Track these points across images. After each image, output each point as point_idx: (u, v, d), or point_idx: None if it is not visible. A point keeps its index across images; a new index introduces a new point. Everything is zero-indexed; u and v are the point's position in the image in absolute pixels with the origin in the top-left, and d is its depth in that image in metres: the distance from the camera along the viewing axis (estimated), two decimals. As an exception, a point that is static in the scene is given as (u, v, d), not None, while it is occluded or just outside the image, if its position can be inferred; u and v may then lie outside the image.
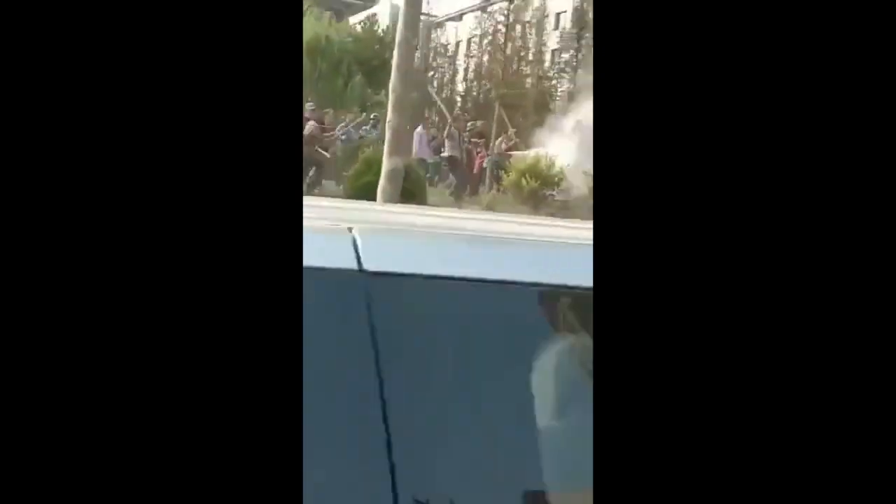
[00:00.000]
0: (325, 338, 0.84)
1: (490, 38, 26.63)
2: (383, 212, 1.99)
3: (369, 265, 0.88)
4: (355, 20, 27.06)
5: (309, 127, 11.15)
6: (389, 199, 6.42)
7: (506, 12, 26.28)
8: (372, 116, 14.73)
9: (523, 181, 11.48)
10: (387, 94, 18.37)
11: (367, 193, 7.40)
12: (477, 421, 0.92)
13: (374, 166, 7.58)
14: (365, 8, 28.70)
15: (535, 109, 17.07)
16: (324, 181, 11.71)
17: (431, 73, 27.32)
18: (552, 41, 25.92)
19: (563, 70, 23.51)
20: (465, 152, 14.22)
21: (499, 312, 0.95)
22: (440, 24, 28.54)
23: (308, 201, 0.90)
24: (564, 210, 11.13)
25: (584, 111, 13.49)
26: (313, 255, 0.81)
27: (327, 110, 13.91)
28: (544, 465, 0.92)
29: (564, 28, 25.87)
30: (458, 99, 24.48)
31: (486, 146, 14.31)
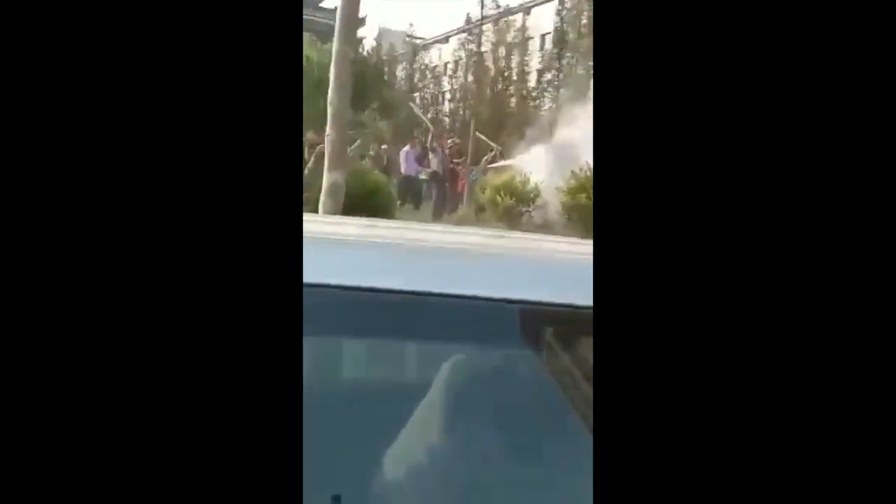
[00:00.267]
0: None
1: (474, 58, 26.98)
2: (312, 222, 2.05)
3: None
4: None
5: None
6: (330, 214, 6.53)
7: (489, 34, 26.66)
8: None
9: (498, 198, 11.59)
10: (371, 114, 18.55)
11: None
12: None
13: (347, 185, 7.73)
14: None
15: (515, 127, 17.25)
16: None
17: (417, 93, 27.58)
18: (535, 61, 26.27)
19: (545, 89, 23.78)
20: (446, 170, 14.37)
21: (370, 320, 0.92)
22: (427, 47, 28.82)
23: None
24: (544, 227, 11.22)
25: (562, 128, 13.69)
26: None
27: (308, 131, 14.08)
28: (428, 481, 0.92)
29: (545, 49, 26.22)
30: (445, 119, 24.70)
31: (465, 164, 14.47)
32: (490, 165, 14.73)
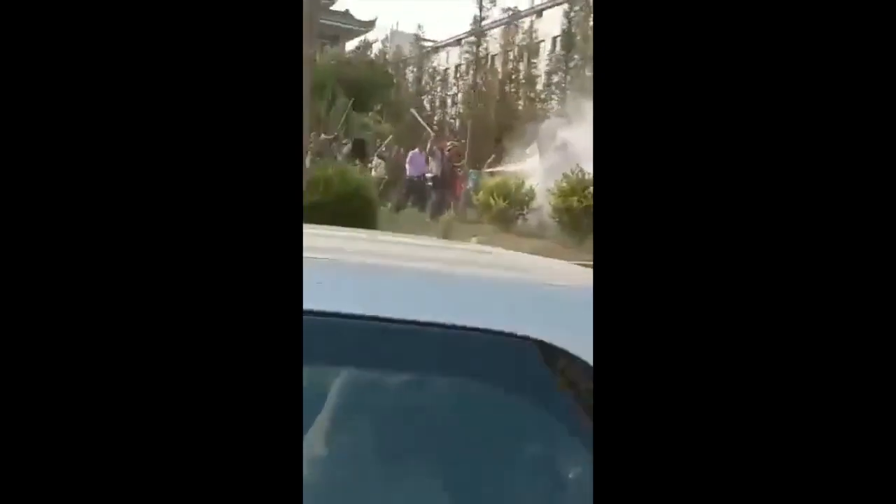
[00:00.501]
0: None
1: (481, 61, 27.00)
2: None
3: None
4: (352, 45, 27.53)
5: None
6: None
7: (497, 38, 26.68)
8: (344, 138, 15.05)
9: (491, 200, 11.57)
10: (373, 116, 18.63)
11: (310, 213, 7.55)
12: None
13: (320, 186, 7.73)
14: (360, 33, 29.15)
15: (519, 130, 17.21)
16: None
17: (424, 95, 27.66)
18: (543, 65, 26.24)
19: (552, 92, 23.74)
20: (446, 173, 14.40)
21: None
22: (436, 50, 28.92)
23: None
24: (538, 230, 11.17)
25: (565, 131, 13.62)
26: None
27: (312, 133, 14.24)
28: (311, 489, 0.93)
29: (554, 52, 26.20)
30: (453, 121, 24.74)
31: (464, 167, 14.48)
32: (490, 169, 14.73)
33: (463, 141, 15.33)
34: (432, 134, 15.93)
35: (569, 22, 24.87)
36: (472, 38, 27.37)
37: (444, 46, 28.91)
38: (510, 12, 27.77)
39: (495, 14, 26.26)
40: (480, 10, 16.91)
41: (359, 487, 0.97)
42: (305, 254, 0.72)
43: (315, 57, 19.01)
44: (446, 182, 13.95)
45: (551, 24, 26.81)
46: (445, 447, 0.97)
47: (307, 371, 0.85)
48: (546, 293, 1.01)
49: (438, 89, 27.63)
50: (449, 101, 26.20)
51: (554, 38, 26.73)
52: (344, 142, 14.83)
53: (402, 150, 16.34)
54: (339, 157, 13.84)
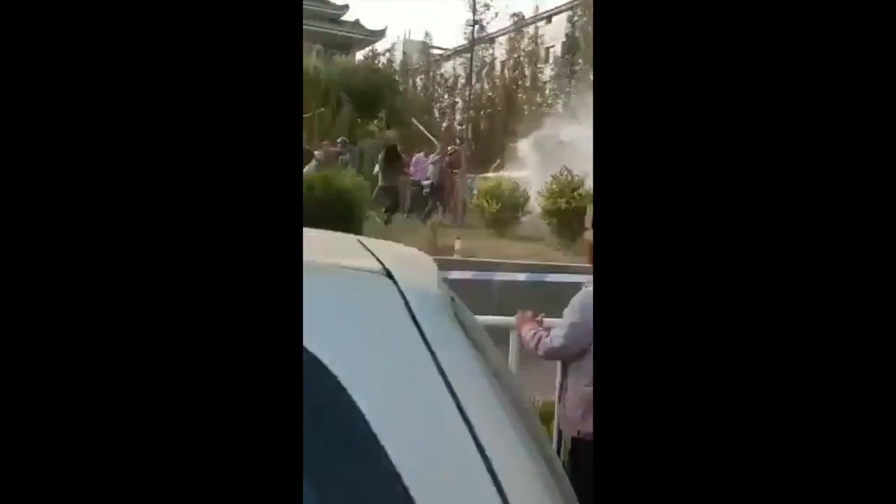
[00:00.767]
0: None
1: (487, 68, 27.14)
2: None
3: None
4: (362, 55, 27.83)
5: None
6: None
7: (503, 44, 26.82)
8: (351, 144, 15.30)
9: (485, 204, 11.65)
10: (378, 124, 18.75)
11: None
12: None
13: (312, 189, 7.85)
14: (370, 42, 29.42)
15: (522, 133, 17.31)
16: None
17: (434, 103, 27.81)
18: (549, 70, 26.30)
19: (557, 96, 23.77)
20: (444, 178, 14.55)
21: None
22: (448, 58, 29.06)
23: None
24: (534, 234, 11.19)
25: (567, 135, 13.69)
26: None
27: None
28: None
29: (557, 56, 26.24)
30: (459, 127, 24.89)
31: (462, 173, 14.61)
32: (485, 174, 14.84)
33: (463, 146, 15.48)
34: (435, 141, 16.11)
35: (572, 26, 24.93)
36: (478, 46, 27.51)
37: (453, 54, 29.05)
38: (516, 18, 27.94)
39: (504, 21, 26.42)
40: (474, 14, 16.97)
41: None
42: None
43: (322, 66, 19.28)
44: (443, 187, 14.09)
45: (559, 30, 26.90)
46: None
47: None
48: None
49: (446, 96, 27.78)
50: (456, 107, 26.35)
51: (562, 44, 26.78)
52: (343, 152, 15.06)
53: (405, 156, 16.50)
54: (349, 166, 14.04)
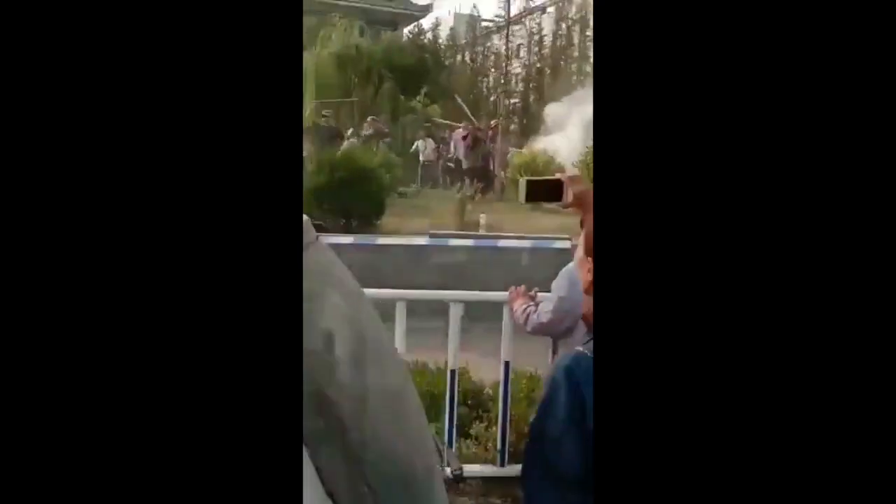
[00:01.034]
0: None
1: (537, 38, 26.68)
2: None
3: None
4: (409, 30, 27.75)
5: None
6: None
7: (551, 14, 26.27)
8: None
9: (518, 178, 11.50)
10: (420, 101, 18.75)
11: (312, 200, 7.81)
12: None
13: (326, 167, 7.91)
14: (418, 18, 29.26)
15: (566, 105, 17.01)
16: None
17: (481, 77, 27.56)
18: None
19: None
20: (485, 153, 14.48)
21: None
22: (499, 30, 28.71)
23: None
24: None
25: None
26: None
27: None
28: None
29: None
30: (508, 101, 24.61)
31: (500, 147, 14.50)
32: (518, 150, 14.66)
33: (500, 121, 15.33)
34: (472, 118, 16.01)
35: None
36: (527, 17, 27.05)
37: (501, 27, 28.67)
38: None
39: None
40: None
41: None
42: None
43: (363, 43, 19.32)
44: (478, 161, 14.03)
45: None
46: None
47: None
48: None
49: (492, 70, 27.48)
50: (503, 81, 26.03)
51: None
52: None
53: (448, 131, 16.51)
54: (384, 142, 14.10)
